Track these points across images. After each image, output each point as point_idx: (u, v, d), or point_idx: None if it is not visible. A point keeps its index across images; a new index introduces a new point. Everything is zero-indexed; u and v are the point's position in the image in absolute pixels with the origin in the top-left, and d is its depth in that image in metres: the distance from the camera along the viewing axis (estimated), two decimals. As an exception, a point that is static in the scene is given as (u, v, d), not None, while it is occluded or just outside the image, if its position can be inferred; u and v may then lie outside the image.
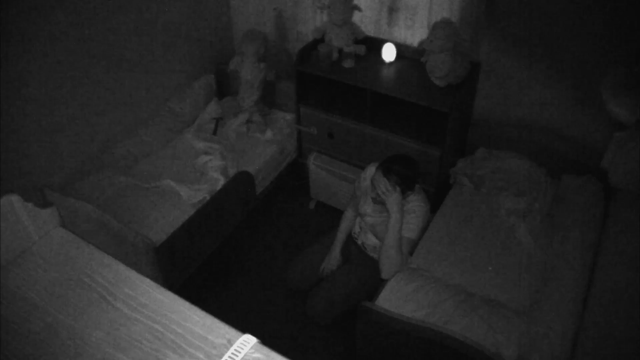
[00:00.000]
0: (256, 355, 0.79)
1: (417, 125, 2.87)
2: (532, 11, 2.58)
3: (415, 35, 2.99)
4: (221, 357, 0.79)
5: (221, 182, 2.89)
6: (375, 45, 3.00)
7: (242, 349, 0.79)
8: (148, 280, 0.95)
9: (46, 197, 2.65)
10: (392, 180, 2.22)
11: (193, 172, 3.01)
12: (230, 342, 0.81)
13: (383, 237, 2.29)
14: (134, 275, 0.96)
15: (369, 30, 3.10)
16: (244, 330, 0.84)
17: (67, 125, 2.79)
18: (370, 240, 2.48)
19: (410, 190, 2.31)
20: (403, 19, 2.98)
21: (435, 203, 2.77)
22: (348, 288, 2.49)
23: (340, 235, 2.61)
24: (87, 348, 0.85)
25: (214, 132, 3.33)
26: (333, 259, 2.58)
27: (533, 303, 2.18)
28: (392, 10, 2.98)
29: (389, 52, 2.93)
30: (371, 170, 2.42)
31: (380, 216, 2.39)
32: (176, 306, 0.89)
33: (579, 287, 2.15)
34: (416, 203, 2.34)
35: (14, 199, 0.98)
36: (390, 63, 2.96)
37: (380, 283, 2.30)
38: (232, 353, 0.79)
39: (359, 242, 2.55)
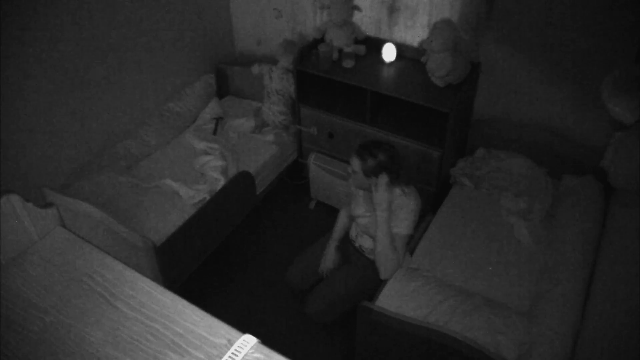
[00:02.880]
0: (256, 355, 0.79)
1: (417, 125, 2.87)
2: (532, 11, 2.58)
3: (415, 35, 2.99)
4: (221, 357, 0.79)
5: (221, 182, 2.89)
6: (375, 45, 3.00)
7: (242, 349, 0.80)
8: (148, 280, 0.95)
9: (46, 197, 2.65)
10: (369, 162, 2.21)
11: (193, 172, 3.01)
12: (230, 342, 0.81)
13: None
14: (134, 275, 0.96)
15: (369, 30, 3.10)
16: (244, 330, 0.84)
17: (67, 125, 2.79)
18: (367, 243, 2.47)
19: (394, 176, 2.25)
20: (403, 19, 2.98)
21: (435, 203, 2.77)
22: (348, 288, 2.48)
23: (335, 234, 2.60)
24: (87, 348, 0.84)
25: (214, 132, 3.33)
26: (329, 257, 2.57)
27: (533, 303, 2.18)
28: (392, 10, 2.98)
29: (389, 52, 2.93)
30: (354, 161, 2.35)
31: (373, 215, 2.37)
32: (176, 306, 0.89)
33: (579, 287, 2.15)
34: (404, 198, 2.30)
35: (14, 199, 0.98)
36: (390, 63, 2.95)
37: (380, 283, 2.30)
38: (232, 353, 0.79)
39: (357, 244, 2.54)
